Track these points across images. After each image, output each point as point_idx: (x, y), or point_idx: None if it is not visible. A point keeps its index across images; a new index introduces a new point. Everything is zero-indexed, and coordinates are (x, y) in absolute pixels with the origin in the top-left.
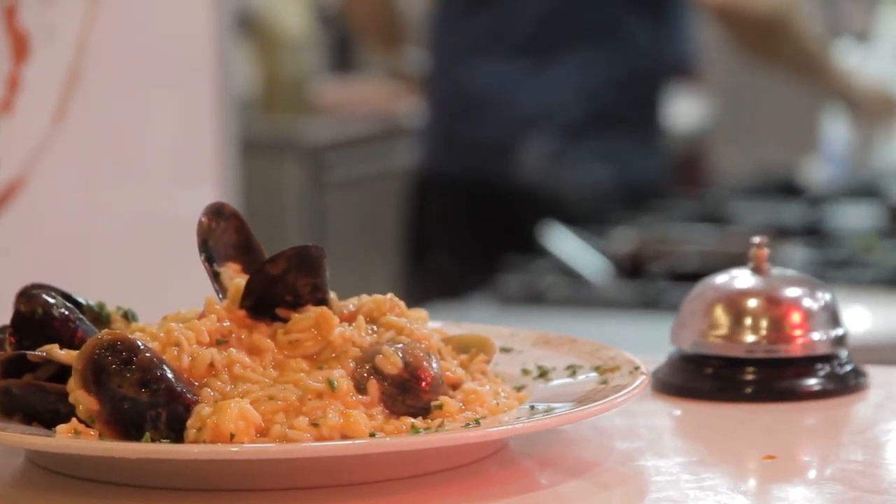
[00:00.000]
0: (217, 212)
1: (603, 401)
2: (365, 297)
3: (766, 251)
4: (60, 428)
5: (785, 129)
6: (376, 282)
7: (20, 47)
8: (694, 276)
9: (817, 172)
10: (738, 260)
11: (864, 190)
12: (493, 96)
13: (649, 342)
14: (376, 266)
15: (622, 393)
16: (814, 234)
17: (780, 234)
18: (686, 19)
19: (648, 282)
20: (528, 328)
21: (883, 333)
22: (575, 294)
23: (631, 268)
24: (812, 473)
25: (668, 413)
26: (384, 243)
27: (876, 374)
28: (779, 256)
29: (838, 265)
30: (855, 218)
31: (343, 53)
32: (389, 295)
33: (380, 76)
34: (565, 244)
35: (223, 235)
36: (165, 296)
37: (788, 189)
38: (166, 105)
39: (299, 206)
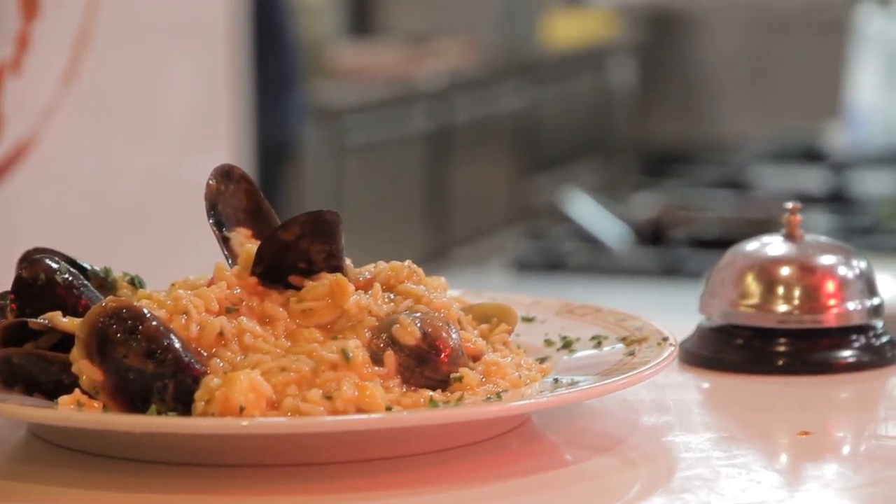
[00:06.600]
0: (226, 174)
1: (630, 373)
2: (382, 265)
3: (799, 217)
4: (63, 399)
5: (807, 92)
6: (394, 246)
7: (29, 6)
8: (716, 243)
9: (840, 137)
10: (760, 226)
11: (889, 155)
12: None
13: (671, 309)
14: (395, 230)
15: (650, 365)
16: (837, 200)
17: (802, 200)
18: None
19: (669, 248)
20: (548, 296)
21: None
22: (595, 261)
23: (652, 234)
24: (848, 450)
25: (696, 386)
26: (403, 207)
27: None
28: (802, 223)
29: (862, 232)
30: (879, 184)
31: (361, 17)
32: (407, 262)
33: (398, 40)
34: (585, 210)
35: (232, 199)
36: (178, 261)
37: (811, 154)
38: (180, 66)
39: (318, 171)
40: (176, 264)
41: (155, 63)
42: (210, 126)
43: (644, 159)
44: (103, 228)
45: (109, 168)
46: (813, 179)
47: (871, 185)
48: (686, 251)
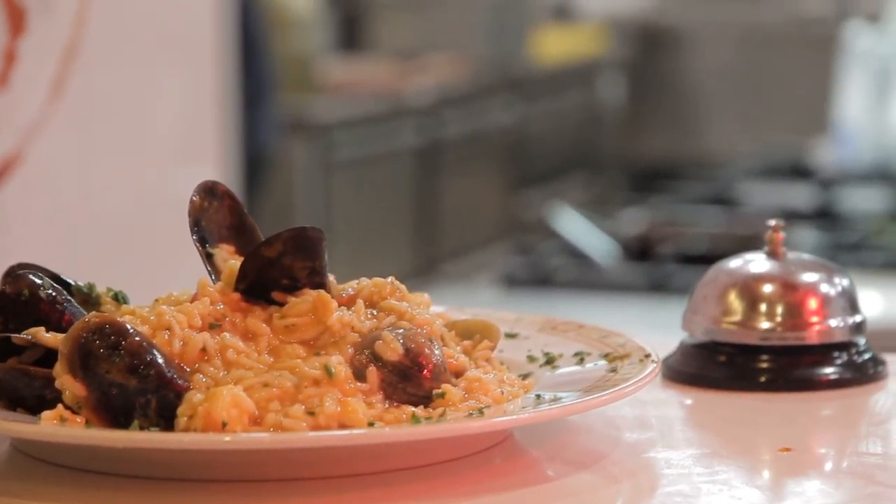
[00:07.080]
0: (209, 190)
1: (612, 390)
2: (365, 281)
3: (781, 234)
4: (46, 414)
5: (795, 109)
6: (382, 261)
7: (17, 20)
8: (703, 259)
9: (828, 154)
10: (747, 242)
11: (877, 172)
12: None
13: (658, 325)
14: (384, 245)
15: (632, 382)
16: (824, 216)
17: (790, 216)
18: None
19: (657, 264)
20: (535, 311)
21: (894, 318)
22: (583, 276)
23: (639, 250)
24: (829, 466)
25: (679, 402)
26: (391, 222)
27: (895, 363)
28: (788, 240)
29: (849, 248)
30: (866, 200)
31: (350, 32)
32: (390, 278)
33: (387, 55)
34: (573, 226)
35: (216, 215)
36: (165, 277)
37: (799, 171)
38: (167, 81)
39: (306, 186)
40: (162, 279)
41: (142, 77)
42: (197, 140)
43: (632, 175)
44: (90, 243)
45: (96, 182)
46: (801, 196)
47: (858, 201)
48: (673, 267)
